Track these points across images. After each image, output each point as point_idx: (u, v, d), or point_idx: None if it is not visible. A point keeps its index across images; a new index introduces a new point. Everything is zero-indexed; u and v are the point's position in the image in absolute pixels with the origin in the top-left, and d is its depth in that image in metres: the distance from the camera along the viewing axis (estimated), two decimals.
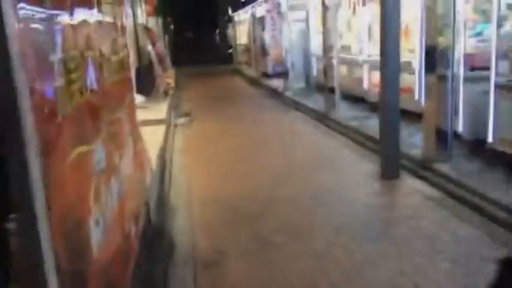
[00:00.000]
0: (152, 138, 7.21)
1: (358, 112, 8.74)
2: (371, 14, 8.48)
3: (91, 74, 1.98)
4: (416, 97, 7.01)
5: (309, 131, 8.50)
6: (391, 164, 5.25)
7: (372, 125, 7.62)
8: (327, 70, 9.23)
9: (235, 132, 8.80)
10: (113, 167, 2.35)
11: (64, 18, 1.65)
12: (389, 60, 5.06)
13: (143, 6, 15.01)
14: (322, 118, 8.98)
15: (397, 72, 5.11)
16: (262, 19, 16.88)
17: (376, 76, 8.45)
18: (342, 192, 4.94)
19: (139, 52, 11.67)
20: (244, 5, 21.35)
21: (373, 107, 8.62)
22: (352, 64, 9.62)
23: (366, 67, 8.80)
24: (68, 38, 1.64)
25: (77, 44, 1.77)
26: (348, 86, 9.55)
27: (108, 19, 2.69)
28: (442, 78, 5.12)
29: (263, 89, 14.98)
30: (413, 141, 6.12)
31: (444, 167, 5.10)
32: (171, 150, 7.45)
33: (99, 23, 2.35)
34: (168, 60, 16.82)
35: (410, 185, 5.05)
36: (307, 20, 12.81)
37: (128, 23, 11.19)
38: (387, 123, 5.26)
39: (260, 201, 4.86)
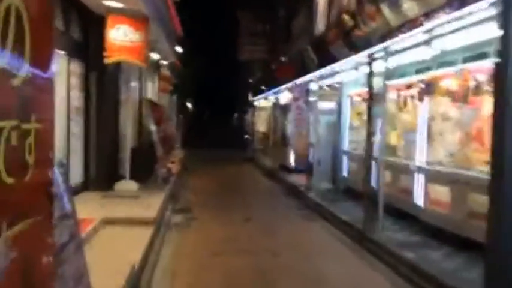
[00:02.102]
0: (128, 251, 5.12)
1: (409, 235, 6.59)
2: (430, 110, 6.68)
3: None
4: None
5: (342, 255, 6.33)
6: None
7: (435, 259, 5.46)
8: (368, 173, 7.28)
9: (243, 246, 6.65)
10: None
11: None
12: (507, 179, 3.07)
13: (156, 81, 13.65)
14: (359, 237, 6.84)
15: None
16: (285, 107, 15.37)
17: (436, 190, 6.46)
18: None
19: (140, 130, 9.98)
20: (265, 91, 20.14)
21: (427, 229, 6.50)
22: (398, 170, 7.67)
23: (420, 177, 6.80)
24: None
25: None
26: (390, 196, 7.51)
27: None
28: None
29: (281, 185, 12.98)
30: None
31: None
32: (152, 269, 5.30)
33: None
34: (175, 142, 15.19)
35: None
36: (338, 112, 11.14)
37: (132, 96, 9.62)
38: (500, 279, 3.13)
39: None
